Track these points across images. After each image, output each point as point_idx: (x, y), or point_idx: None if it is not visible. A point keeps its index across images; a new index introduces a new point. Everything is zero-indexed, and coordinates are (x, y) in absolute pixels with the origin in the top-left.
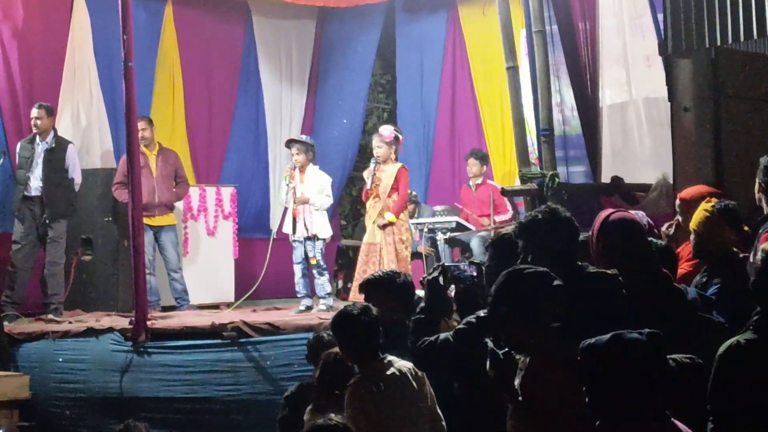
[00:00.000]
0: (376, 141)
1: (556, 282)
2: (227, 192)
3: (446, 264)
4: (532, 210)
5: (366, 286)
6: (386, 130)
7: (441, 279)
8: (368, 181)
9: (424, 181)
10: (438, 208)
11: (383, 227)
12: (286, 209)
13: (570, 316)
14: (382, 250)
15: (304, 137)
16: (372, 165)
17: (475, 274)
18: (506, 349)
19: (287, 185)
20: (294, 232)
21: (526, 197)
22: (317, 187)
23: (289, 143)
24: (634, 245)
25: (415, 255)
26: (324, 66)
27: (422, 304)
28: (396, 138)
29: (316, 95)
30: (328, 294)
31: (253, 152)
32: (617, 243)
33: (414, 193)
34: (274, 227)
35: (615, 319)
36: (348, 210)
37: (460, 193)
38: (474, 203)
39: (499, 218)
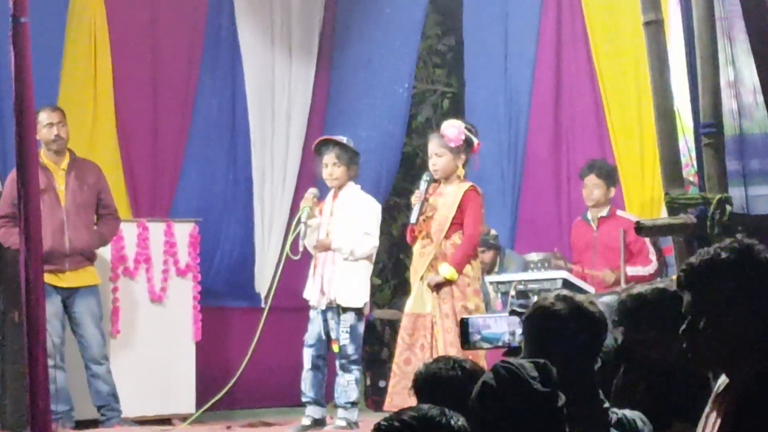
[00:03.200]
0: (433, 146)
1: None
2: (183, 231)
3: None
4: (687, 256)
5: (416, 388)
6: (451, 129)
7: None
8: (413, 211)
9: (510, 214)
10: (533, 257)
11: (437, 288)
12: (304, 254)
13: None
14: (436, 324)
15: (344, 138)
16: (423, 184)
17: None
18: None
19: (303, 222)
20: (311, 298)
21: (677, 237)
22: (358, 221)
23: (321, 146)
24: None
25: None
26: (343, 26)
27: None
28: (468, 142)
29: (330, 73)
30: (352, 403)
31: (226, 166)
32: None
33: (493, 232)
34: (262, 290)
35: None
36: (385, 260)
37: (570, 232)
38: (594, 248)
39: (634, 271)
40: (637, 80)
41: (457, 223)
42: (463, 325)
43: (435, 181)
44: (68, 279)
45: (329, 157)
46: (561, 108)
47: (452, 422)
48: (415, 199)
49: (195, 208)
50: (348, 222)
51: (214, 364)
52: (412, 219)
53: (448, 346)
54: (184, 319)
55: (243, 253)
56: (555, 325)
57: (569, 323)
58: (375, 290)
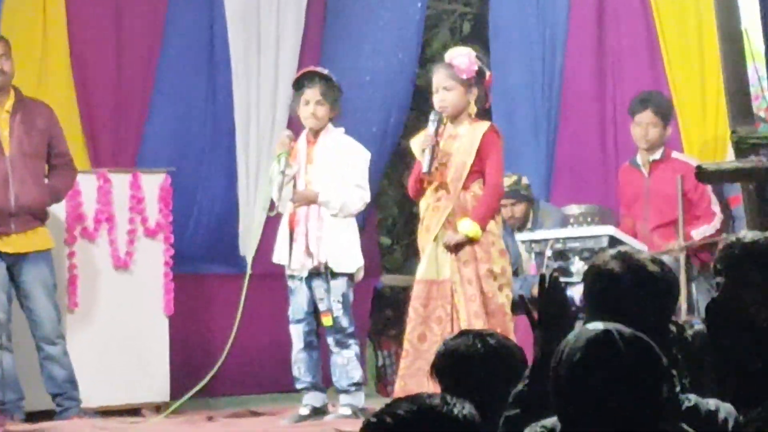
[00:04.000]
0: (440, 77)
1: None
2: (153, 183)
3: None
4: (759, 207)
5: (435, 369)
6: (461, 57)
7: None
8: (425, 158)
9: (545, 159)
10: (573, 209)
11: (455, 248)
12: (279, 216)
13: None
14: (456, 293)
15: (328, 72)
16: (432, 125)
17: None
18: None
19: (282, 171)
20: (291, 261)
21: (746, 185)
22: (341, 169)
23: (301, 81)
24: None
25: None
26: None
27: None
28: (479, 73)
29: None
30: (356, 384)
31: (203, 105)
32: None
33: (525, 181)
34: (248, 254)
35: None
36: (396, 215)
37: (618, 178)
38: (646, 198)
39: (697, 233)
40: (697, 7)
41: (476, 171)
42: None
43: (442, 120)
44: (14, 243)
45: (312, 93)
46: (605, 30)
47: (456, 411)
48: (425, 143)
49: (166, 155)
50: (332, 171)
51: (191, 343)
52: (425, 167)
53: (473, 317)
54: (155, 288)
55: (225, 209)
56: (613, 289)
57: (629, 286)
58: (384, 252)
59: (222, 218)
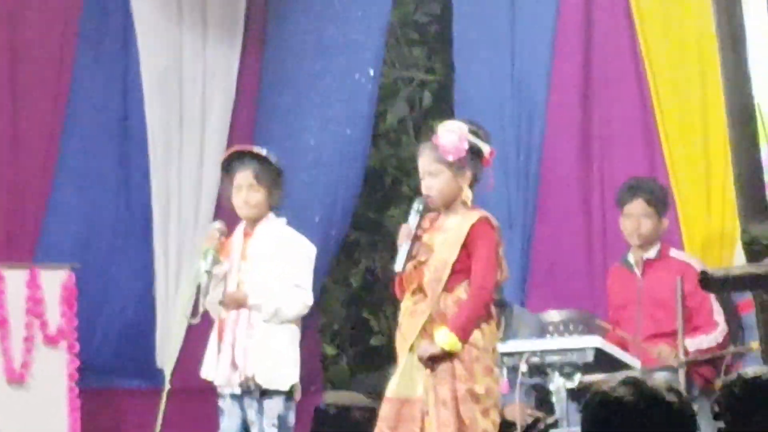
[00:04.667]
0: (425, 161)
1: None
2: (54, 281)
3: None
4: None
5: None
6: (449, 134)
7: None
8: (398, 254)
9: (520, 256)
10: (552, 316)
11: (432, 362)
12: (209, 323)
13: None
14: (428, 415)
15: (264, 150)
16: (414, 216)
17: None
18: None
19: (207, 270)
20: (218, 377)
21: (759, 294)
22: (279, 266)
23: (231, 160)
24: None
25: (505, 426)
26: None
27: None
28: (474, 151)
29: (262, 56)
30: None
31: (114, 188)
32: None
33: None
34: (166, 366)
35: None
36: (342, 320)
37: (607, 281)
38: (639, 304)
39: (694, 344)
40: (701, 64)
41: (461, 271)
42: None
43: (430, 210)
44: None
45: (244, 176)
46: (591, 102)
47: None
48: (403, 237)
49: (70, 248)
50: (268, 269)
51: None
52: (397, 265)
53: None
54: (57, 407)
55: (139, 313)
56: (622, 422)
57: (643, 419)
58: (328, 363)
59: (136, 323)
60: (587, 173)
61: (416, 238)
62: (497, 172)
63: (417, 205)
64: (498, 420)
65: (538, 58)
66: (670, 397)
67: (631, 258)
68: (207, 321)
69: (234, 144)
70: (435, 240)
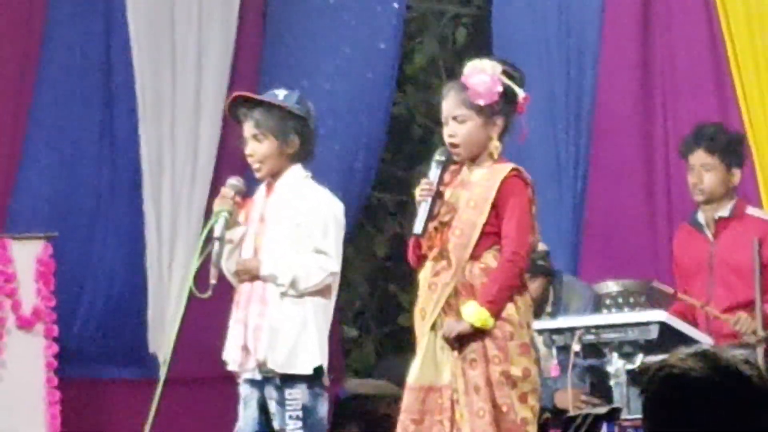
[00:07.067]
0: (451, 104)
1: None
2: (28, 253)
3: None
4: None
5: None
6: (480, 75)
7: None
8: (418, 213)
9: (571, 219)
10: (609, 287)
11: (458, 342)
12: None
13: None
14: (458, 403)
15: (281, 93)
16: (435, 169)
17: None
18: None
19: (218, 237)
20: (229, 360)
21: None
22: (304, 231)
23: (236, 106)
24: None
25: (557, 414)
26: None
27: None
28: (507, 95)
29: None
30: None
31: (97, 148)
32: None
33: (542, 247)
34: (160, 351)
35: None
36: (365, 297)
37: (673, 244)
38: (711, 269)
39: None
40: None
41: (490, 233)
42: None
43: (454, 162)
44: None
45: (247, 128)
46: (652, 38)
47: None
48: (422, 193)
49: (46, 216)
50: (284, 233)
51: None
52: (417, 227)
53: None
54: (33, 399)
55: (128, 289)
56: (692, 398)
57: (716, 395)
58: (350, 347)
59: (124, 301)
60: (648, 120)
61: (438, 195)
62: (543, 118)
63: (439, 156)
64: (538, 407)
65: (587, 7)
66: (748, 371)
67: (701, 217)
68: (216, 297)
69: (235, 91)
70: (460, 198)
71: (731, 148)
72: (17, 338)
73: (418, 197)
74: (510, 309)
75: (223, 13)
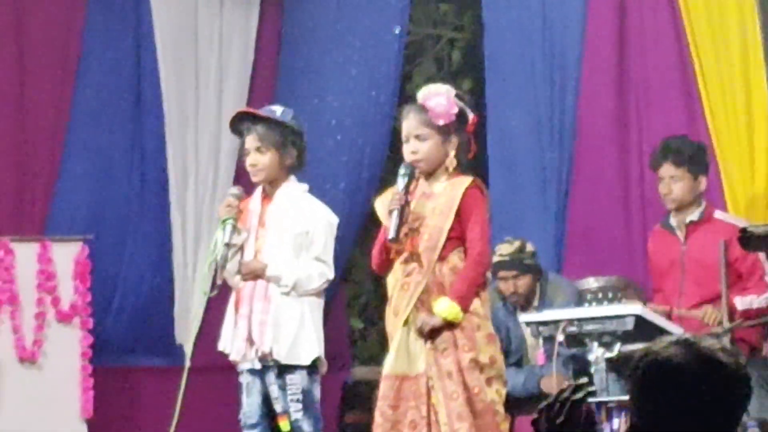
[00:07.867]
0: (411, 123)
1: None
2: (66, 255)
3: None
4: None
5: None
6: (437, 97)
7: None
8: (391, 221)
9: (555, 221)
10: (590, 283)
11: (431, 335)
12: (227, 294)
13: None
14: (434, 389)
15: (278, 109)
16: (401, 180)
17: None
18: None
19: (226, 243)
20: (234, 352)
21: None
22: (299, 236)
23: (238, 123)
24: None
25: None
26: None
27: None
28: (460, 116)
29: (282, 16)
30: None
31: (128, 158)
32: None
33: (530, 248)
34: (186, 342)
35: None
36: (370, 293)
37: (648, 245)
38: (682, 269)
39: (744, 303)
40: (741, 14)
41: (455, 237)
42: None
43: (412, 176)
44: None
45: (249, 140)
46: (628, 60)
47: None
48: (393, 203)
49: (83, 220)
50: (284, 239)
51: None
52: (390, 233)
53: (455, 419)
54: (69, 386)
55: (156, 286)
56: (673, 384)
57: (696, 381)
58: (356, 338)
59: (153, 298)
60: (624, 133)
61: (406, 205)
62: (530, 131)
63: (404, 170)
64: (503, 391)
65: (570, 13)
66: (725, 359)
67: (673, 221)
68: (227, 294)
69: (254, 107)
70: (425, 207)
71: (696, 159)
72: (56, 330)
73: (388, 207)
74: (476, 303)
75: (241, 36)
